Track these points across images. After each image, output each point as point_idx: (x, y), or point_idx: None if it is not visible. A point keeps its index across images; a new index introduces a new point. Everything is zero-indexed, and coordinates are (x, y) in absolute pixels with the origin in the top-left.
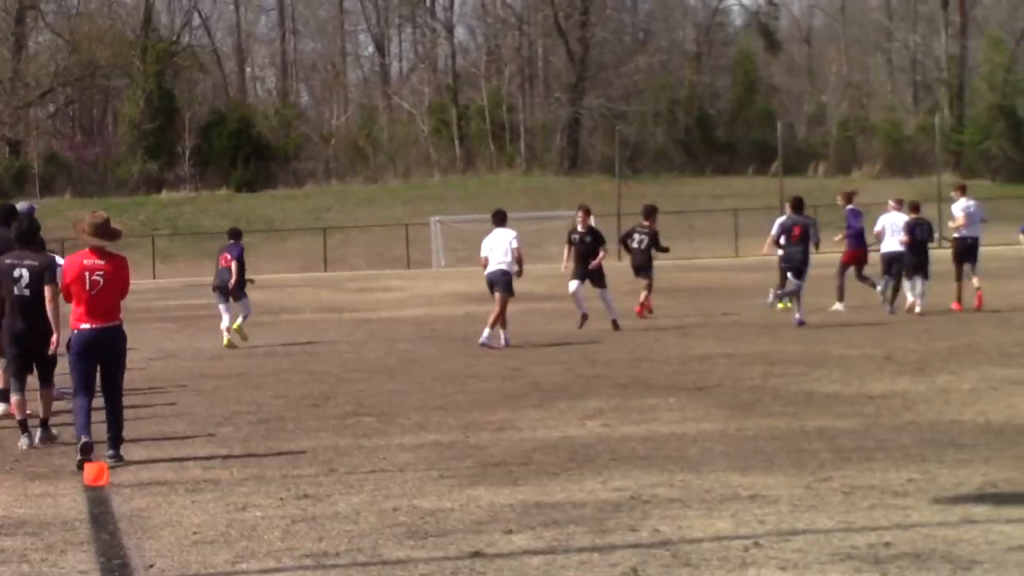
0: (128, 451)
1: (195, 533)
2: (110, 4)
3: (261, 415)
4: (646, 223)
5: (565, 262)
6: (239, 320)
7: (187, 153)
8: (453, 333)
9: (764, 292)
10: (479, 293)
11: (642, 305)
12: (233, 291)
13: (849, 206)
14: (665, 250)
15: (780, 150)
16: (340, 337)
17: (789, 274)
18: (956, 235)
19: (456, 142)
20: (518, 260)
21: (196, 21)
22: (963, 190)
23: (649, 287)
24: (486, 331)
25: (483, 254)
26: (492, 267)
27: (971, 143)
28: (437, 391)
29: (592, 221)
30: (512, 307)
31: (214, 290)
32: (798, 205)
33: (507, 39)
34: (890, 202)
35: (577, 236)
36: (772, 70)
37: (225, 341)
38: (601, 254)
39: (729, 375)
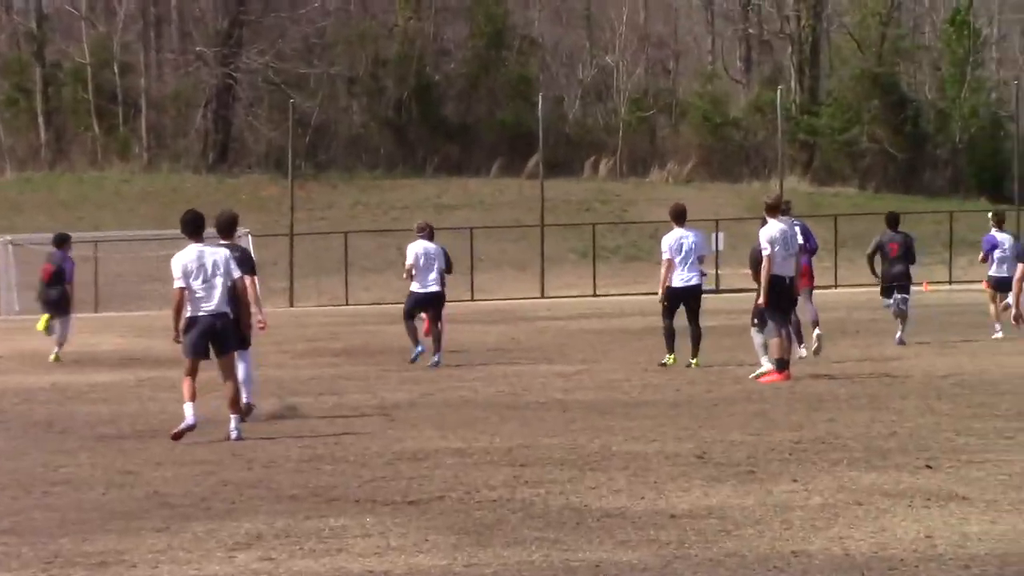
0: None
1: None
2: None
3: None
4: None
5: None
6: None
7: None
8: (32, 416)
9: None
10: (80, 353)
11: None
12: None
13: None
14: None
15: (542, 138)
16: None
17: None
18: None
19: (41, 120)
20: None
21: None
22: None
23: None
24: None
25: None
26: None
27: (830, 131)
28: (4, 505)
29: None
30: (128, 377)
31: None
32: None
33: None
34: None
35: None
36: (531, 15)
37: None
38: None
39: (458, 482)
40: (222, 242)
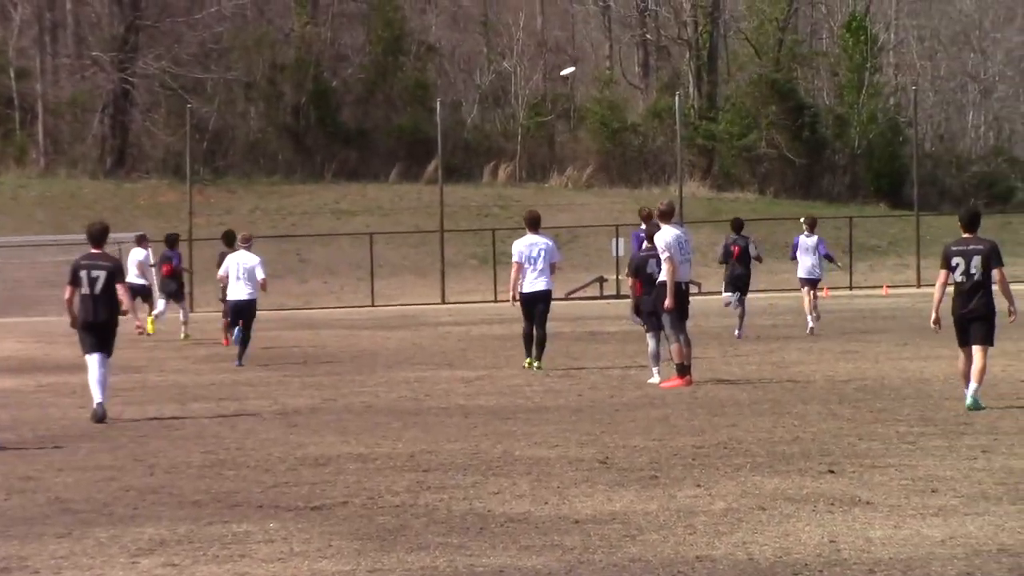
0: None
1: None
2: None
3: None
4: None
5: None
6: (156, 312)
7: None
8: None
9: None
10: None
11: None
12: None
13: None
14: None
15: (440, 143)
16: None
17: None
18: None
19: None
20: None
21: None
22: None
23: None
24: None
25: (221, 273)
26: (242, 294)
27: (728, 137)
28: None
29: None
30: (28, 383)
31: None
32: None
33: None
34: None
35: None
36: (428, 21)
37: (182, 335)
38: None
39: (361, 487)
40: (94, 251)
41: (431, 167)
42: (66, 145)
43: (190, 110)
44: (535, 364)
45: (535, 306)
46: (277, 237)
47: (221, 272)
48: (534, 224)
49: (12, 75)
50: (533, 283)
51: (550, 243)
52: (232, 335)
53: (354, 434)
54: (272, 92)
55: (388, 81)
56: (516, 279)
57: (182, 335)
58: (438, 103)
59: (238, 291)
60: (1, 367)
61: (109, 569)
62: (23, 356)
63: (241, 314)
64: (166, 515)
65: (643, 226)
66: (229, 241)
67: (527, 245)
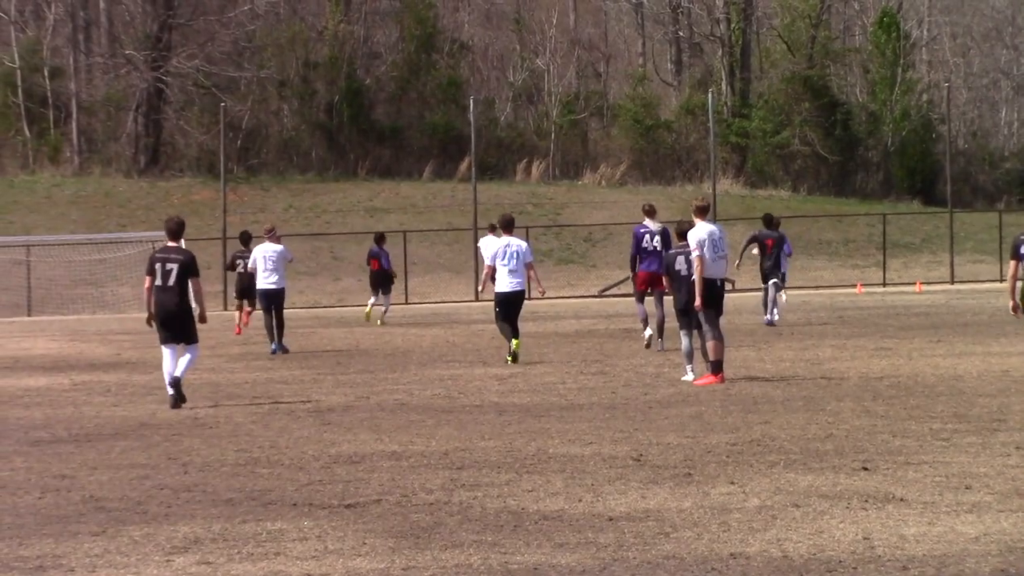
0: None
1: None
2: None
3: None
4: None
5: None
6: (381, 310)
7: None
8: None
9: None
10: (13, 358)
11: None
12: (384, 286)
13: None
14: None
15: (474, 141)
16: None
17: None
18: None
19: None
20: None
21: None
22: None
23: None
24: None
25: (251, 265)
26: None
27: (761, 134)
28: None
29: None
30: (62, 381)
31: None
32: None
33: None
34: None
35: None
36: (460, 18)
37: (378, 322)
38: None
39: (395, 485)
40: (170, 244)
41: (464, 165)
42: (100, 144)
43: (223, 108)
44: (514, 343)
45: (512, 305)
46: (311, 235)
47: (250, 264)
48: (508, 226)
49: (46, 74)
50: (510, 284)
51: (524, 245)
52: (267, 338)
53: (388, 432)
54: (305, 90)
55: (421, 79)
56: (486, 279)
57: (379, 322)
58: (471, 101)
59: (266, 280)
60: (35, 365)
61: (144, 567)
62: (57, 354)
63: (271, 300)
64: (200, 513)
65: (645, 221)
66: (244, 241)
67: (502, 247)
